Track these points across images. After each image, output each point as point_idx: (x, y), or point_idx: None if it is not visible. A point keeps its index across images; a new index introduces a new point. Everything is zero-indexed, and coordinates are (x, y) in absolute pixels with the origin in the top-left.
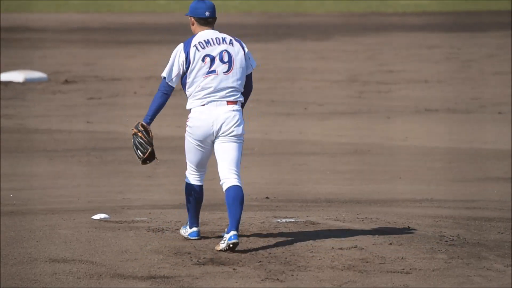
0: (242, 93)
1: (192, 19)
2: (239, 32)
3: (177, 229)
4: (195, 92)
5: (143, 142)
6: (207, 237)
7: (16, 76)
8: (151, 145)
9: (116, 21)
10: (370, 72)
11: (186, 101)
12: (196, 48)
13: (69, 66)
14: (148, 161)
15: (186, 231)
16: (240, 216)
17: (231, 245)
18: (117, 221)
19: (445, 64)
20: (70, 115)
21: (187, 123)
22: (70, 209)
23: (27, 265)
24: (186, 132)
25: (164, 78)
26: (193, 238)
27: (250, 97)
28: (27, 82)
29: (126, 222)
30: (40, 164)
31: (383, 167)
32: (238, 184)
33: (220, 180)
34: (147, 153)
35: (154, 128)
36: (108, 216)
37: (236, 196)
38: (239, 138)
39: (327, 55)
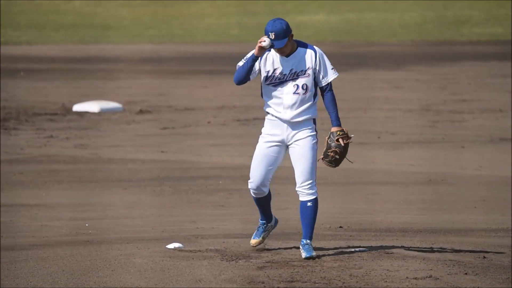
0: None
1: (292, 34)
2: None
3: (251, 258)
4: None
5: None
6: (280, 267)
7: (91, 106)
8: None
9: (189, 51)
10: (444, 101)
11: (310, 113)
12: None
13: (143, 96)
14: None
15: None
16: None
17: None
18: (191, 250)
19: None
20: (144, 145)
21: (315, 131)
22: (144, 239)
23: None
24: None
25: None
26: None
27: (323, 126)
28: (103, 112)
29: (200, 251)
30: (114, 194)
31: (457, 196)
32: None
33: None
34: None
35: (225, 158)
36: (182, 245)
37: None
38: None
39: (400, 85)
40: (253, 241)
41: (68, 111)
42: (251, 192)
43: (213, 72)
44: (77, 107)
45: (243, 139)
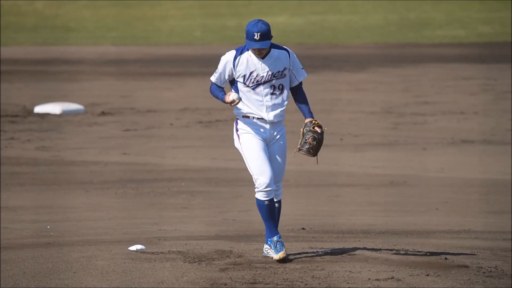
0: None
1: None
2: None
3: (213, 260)
4: None
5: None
6: (243, 269)
7: (53, 108)
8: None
9: (153, 53)
10: (406, 103)
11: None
12: None
13: (106, 98)
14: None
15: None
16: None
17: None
18: (154, 252)
19: (481, 95)
20: (107, 147)
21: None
22: (106, 241)
23: None
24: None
25: None
26: None
27: (287, 129)
28: (64, 114)
29: (162, 253)
30: (77, 196)
31: (419, 198)
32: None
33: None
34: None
35: (188, 160)
36: (145, 247)
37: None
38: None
39: (363, 87)
40: (281, 253)
41: (29, 113)
42: (264, 195)
43: (176, 74)
44: (38, 109)
45: (205, 141)
